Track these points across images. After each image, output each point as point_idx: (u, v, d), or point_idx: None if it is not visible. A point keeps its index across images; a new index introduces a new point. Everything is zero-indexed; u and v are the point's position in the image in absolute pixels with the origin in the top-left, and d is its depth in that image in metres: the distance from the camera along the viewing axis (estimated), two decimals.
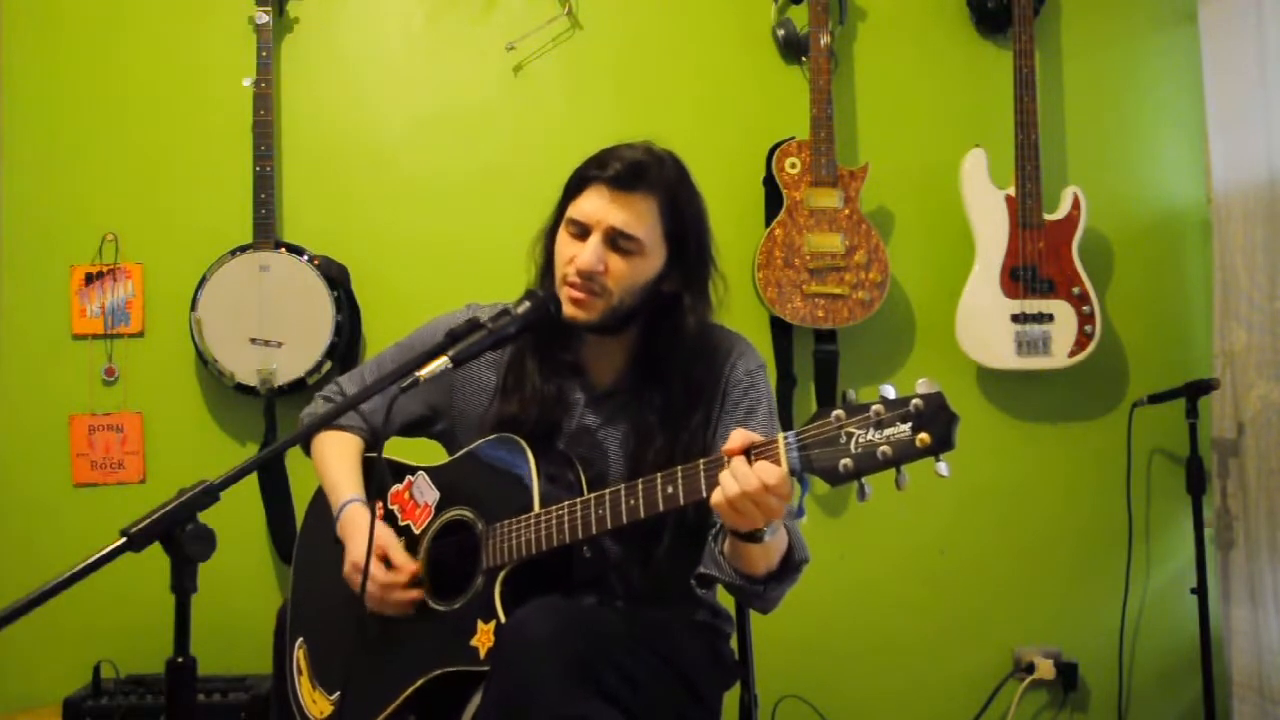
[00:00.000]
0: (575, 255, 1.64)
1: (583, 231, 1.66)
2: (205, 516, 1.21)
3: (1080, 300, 2.77)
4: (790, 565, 1.54)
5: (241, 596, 2.63)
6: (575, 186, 1.70)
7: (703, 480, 1.41)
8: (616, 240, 1.64)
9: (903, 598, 2.90)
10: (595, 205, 1.65)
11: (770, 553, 1.49)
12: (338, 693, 1.71)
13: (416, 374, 1.48)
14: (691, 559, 1.63)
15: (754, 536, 1.41)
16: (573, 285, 1.65)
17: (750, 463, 1.35)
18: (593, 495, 1.53)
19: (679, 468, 1.45)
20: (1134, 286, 2.94)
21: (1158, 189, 2.98)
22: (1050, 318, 2.77)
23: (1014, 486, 2.92)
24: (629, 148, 1.69)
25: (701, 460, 1.42)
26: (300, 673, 1.79)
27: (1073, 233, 2.79)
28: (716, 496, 1.36)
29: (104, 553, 1.16)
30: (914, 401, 1.22)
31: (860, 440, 1.25)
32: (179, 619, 1.20)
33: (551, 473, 1.63)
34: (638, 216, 1.65)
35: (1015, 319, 2.76)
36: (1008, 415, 2.93)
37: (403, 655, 1.65)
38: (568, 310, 1.65)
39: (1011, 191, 2.79)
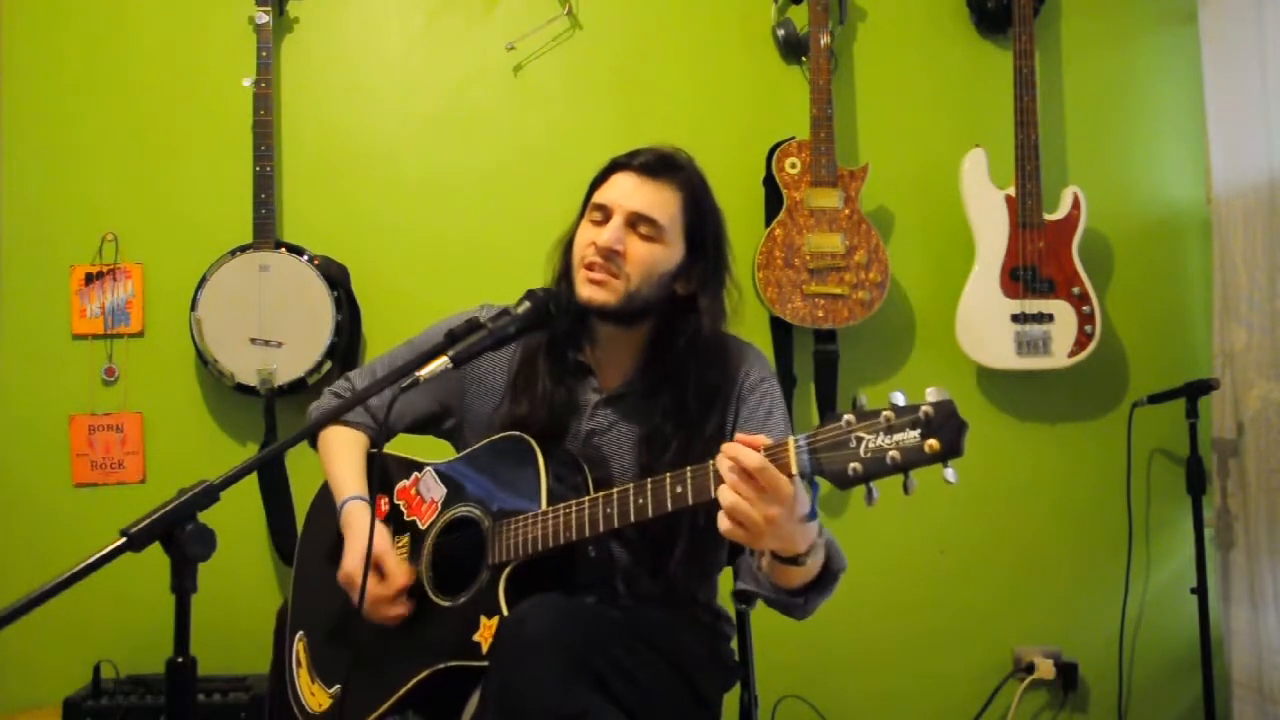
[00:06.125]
0: (595, 238, 1.67)
1: (605, 216, 1.69)
2: (205, 516, 1.21)
3: (1080, 300, 2.77)
4: (829, 575, 1.54)
5: (241, 596, 2.63)
6: (601, 177, 1.75)
7: (712, 481, 1.41)
8: (638, 224, 1.68)
9: (903, 598, 2.90)
10: (620, 189, 1.70)
11: (809, 567, 1.49)
12: (337, 686, 1.71)
13: (416, 374, 1.48)
14: (702, 569, 1.63)
15: (796, 560, 1.42)
16: (591, 266, 1.66)
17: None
18: (601, 494, 1.53)
19: (689, 468, 1.45)
20: (1134, 286, 2.94)
21: (1158, 189, 2.98)
22: (1050, 318, 2.77)
23: (1014, 486, 2.92)
24: (658, 146, 1.75)
25: (712, 461, 1.42)
26: (299, 665, 1.80)
27: (1073, 233, 2.79)
28: (723, 493, 1.35)
29: (104, 553, 1.16)
30: (924, 408, 1.23)
31: (870, 445, 1.26)
32: (179, 619, 1.19)
33: (559, 472, 1.63)
34: (661, 203, 1.69)
35: (1015, 319, 2.76)
36: (1008, 415, 2.93)
37: (404, 649, 1.66)
38: (584, 292, 1.67)
39: (1011, 191, 2.79)
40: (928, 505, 2.86)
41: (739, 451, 1.33)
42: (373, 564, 1.65)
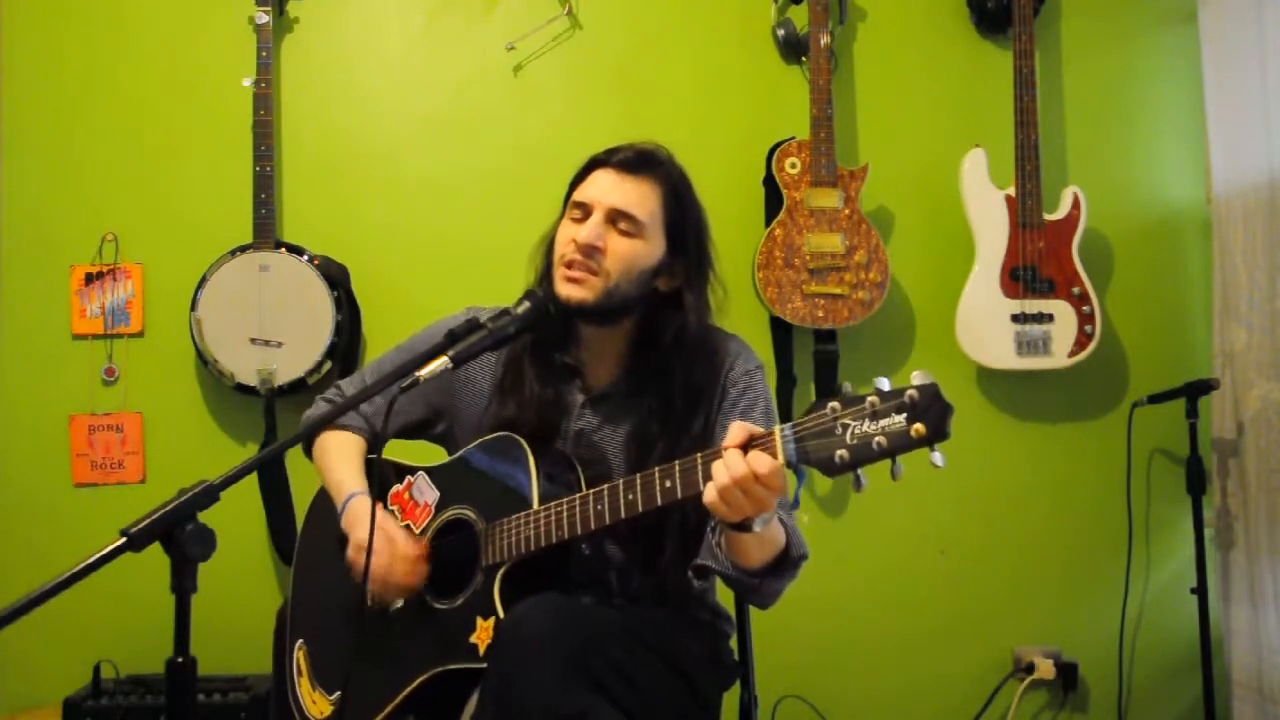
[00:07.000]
0: (575, 235, 1.67)
1: (585, 213, 1.69)
2: (205, 516, 1.22)
3: (1080, 300, 2.77)
4: (788, 561, 1.54)
5: (241, 596, 2.63)
6: (581, 175, 1.75)
7: (700, 474, 1.41)
8: (617, 220, 1.68)
9: (903, 598, 2.90)
10: (600, 187, 1.70)
11: (764, 544, 1.49)
12: (337, 692, 1.71)
13: (416, 374, 1.48)
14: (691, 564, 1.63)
15: (743, 526, 1.41)
16: (570, 264, 1.66)
17: (745, 454, 1.35)
18: (591, 491, 1.53)
19: (677, 462, 1.45)
20: (1134, 286, 2.94)
21: (1158, 189, 2.98)
22: (1050, 318, 2.77)
23: (1014, 486, 2.92)
24: (637, 143, 1.75)
25: (699, 455, 1.43)
26: (300, 673, 1.80)
27: (1073, 232, 2.79)
28: (709, 490, 1.37)
29: (104, 553, 1.16)
30: (909, 392, 1.23)
31: (856, 431, 1.26)
32: (179, 619, 1.20)
33: (551, 472, 1.64)
34: (640, 199, 1.69)
35: (1015, 319, 2.76)
36: (1008, 415, 2.93)
37: (402, 654, 1.66)
38: (563, 290, 1.66)
39: (1011, 191, 2.79)
40: (928, 505, 2.86)
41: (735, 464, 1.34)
42: (384, 536, 1.64)
